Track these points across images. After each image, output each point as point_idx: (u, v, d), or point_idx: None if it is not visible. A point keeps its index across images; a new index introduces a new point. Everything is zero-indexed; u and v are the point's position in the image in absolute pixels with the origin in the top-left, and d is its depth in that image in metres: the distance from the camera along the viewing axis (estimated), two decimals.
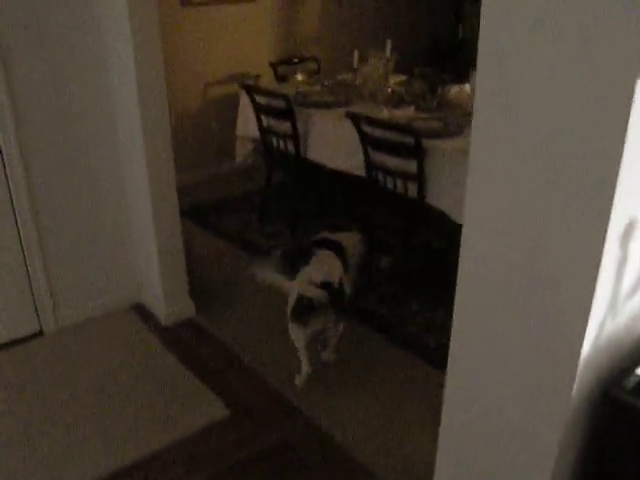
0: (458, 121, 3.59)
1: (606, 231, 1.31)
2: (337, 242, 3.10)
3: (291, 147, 4.14)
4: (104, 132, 3.14)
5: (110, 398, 2.85)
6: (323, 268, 2.90)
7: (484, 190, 1.54)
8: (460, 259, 1.65)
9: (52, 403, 2.81)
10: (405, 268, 3.83)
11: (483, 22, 1.40)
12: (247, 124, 4.51)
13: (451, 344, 1.77)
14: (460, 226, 3.15)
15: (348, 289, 3.00)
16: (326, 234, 3.21)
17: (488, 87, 1.45)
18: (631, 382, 1.52)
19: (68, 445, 2.60)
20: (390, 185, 3.56)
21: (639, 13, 1.14)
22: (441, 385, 1.88)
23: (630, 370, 1.55)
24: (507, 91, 1.40)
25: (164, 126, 3.04)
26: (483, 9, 1.39)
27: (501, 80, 1.41)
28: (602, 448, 1.59)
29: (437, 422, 1.94)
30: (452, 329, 1.75)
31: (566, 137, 1.32)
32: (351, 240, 3.20)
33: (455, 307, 1.72)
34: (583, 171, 1.31)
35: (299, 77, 4.76)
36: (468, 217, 1.61)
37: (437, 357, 3.03)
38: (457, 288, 1.68)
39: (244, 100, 4.43)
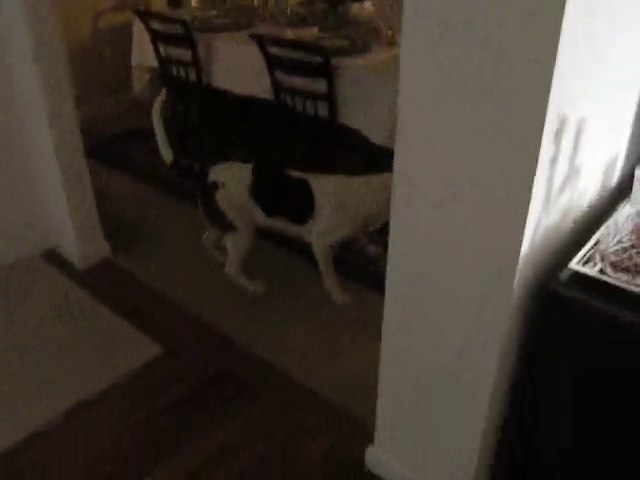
0: (364, 38, 3.56)
1: (542, 128, 1.34)
2: None
3: (193, 75, 4.00)
4: None
5: (35, 350, 2.74)
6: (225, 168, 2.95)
7: (416, 101, 1.54)
8: (395, 162, 1.64)
9: None
10: None
11: None
12: (143, 53, 4.31)
13: (389, 256, 1.79)
14: (373, 144, 3.18)
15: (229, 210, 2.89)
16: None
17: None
18: (565, 275, 1.60)
19: None
20: (300, 107, 3.51)
21: None
22: (375, 302, 1.90)
23: (563, 265, 1.62)
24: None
25: (59, 58, 2.84)
26: None
27: None
28: (541, 342, 1.67)
29: (377, 338, 1.98)
30: (389, 242, 1.77)
31: (500, 43, 1.32)
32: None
33: (392, 220, 1.73)
34: (519, 72, 1.32)
35: (193, 2, 4.57)
36: (401, 117, 1.59)
37: (362, 273, 3.08)
38: (393, 199, 1.69)
39: (138, 27, 4.22)
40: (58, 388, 2.55)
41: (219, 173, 2.90)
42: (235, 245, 2.92)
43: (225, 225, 2.90)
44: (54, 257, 3.33)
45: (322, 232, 2.85)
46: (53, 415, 2.43)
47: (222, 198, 2.85)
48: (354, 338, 2.76)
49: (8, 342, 2.78)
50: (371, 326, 2.74)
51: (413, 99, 1.54)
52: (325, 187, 2.84)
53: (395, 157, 1.63)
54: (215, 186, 2.86)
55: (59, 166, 3.02)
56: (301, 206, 2.87)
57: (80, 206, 3.17)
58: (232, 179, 2.88)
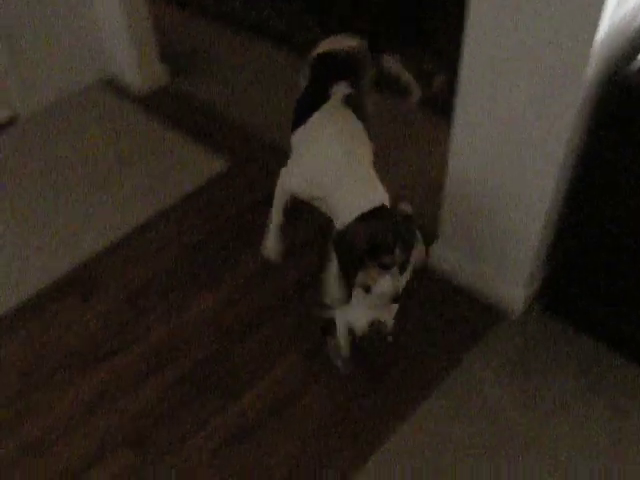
0: None
1: None
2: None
3: None
4: None
5: (104, 172, 2.90)
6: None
7: None
8: None
9: (47, 185, 2.85)
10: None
11: None
12: None
13: (464, 41, 1.83)
14: None
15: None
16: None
17: None
18: (634, 67, 1.66)
19: (71, 220, 2.68)
20: None
21: None
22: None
23: (632, 57, 1.67)
24: None
25: None
26: None
27: None
28: (607, 131, 1.76)
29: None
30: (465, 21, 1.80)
31: None
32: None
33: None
34: None
35: None
36: None
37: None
38: None
39: None
40: (130, 204, 2.74)
41: None
42: None
43: None
44: (114, 85, 3.42)
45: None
46: (126, 229, 2.63)
47: None
48: (420, 146, 2.86)
49: (76, 167, 2.93)
50: (435, 142, 2.84)
51: None
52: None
53: None
54: None
55: None
56: None
57: (138, 31, 3.21)
58: None
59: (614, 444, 1.92)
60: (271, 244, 2.33)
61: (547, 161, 1.82)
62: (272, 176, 2.76)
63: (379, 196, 1.90)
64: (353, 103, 2.19)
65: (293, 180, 2.15)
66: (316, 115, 2.16)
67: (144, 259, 2.52)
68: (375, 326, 1.93)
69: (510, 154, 1.92)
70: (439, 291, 2.33)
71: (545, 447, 1.93)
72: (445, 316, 2.26)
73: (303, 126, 2.19)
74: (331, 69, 2.35)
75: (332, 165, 1.96)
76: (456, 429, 1.98)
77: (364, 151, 2.06)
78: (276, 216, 2.27)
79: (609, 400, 2.02)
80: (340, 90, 2.23)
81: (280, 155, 2.86)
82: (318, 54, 2.43)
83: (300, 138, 2.20)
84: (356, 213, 1.84)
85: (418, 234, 1.85)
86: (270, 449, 1.94)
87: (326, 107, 2.17)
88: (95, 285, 2.44)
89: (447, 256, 2.33)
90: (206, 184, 2.79)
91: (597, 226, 1.94)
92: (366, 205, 1.85)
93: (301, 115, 2.24)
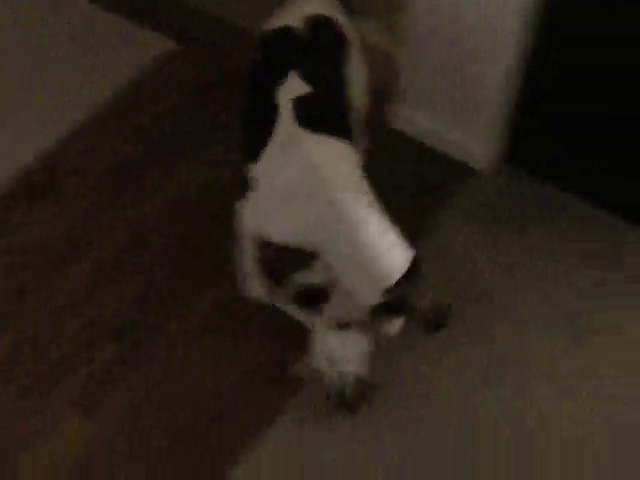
0: None
1: None
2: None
3: None
4: None
5: (42, 58, 2.69)
6: None
7: None
8: None
9: None
10: None
11: None
12: None
13: None
14: None
15: None
16: None
17: None
18: None
19: (18, 114, 2.53)
20: None
21: None
22: None
23: None
24: None
25: None
26: None
27: None
28: None
29: None
30: None
31: None
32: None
33: None
34: None
35: None
36: None
37: None
38: None
39: None
40: (78, 88, 2.59)
41: None
42: None
43: None
44: None
45: None
46: (78, 116, 2.49)
47: None
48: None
49: (9, 55, 2.72)
50: None
51: None
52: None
53: None
54: None
55: None
56: None
57: None
58: None
59: (591, 289, 2.00)
60: (253, 283, 1.88)
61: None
62: (222, 54, 2.63)
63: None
64: (313, 111, 1.56)
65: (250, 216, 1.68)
66: (268, 151, 1.57)
67: (104, 147, 2.41)
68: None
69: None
70: (408, 152, 2.30)
71: (517, 304, 1.99)
72: (415, 177, 2.24)
73: (260, 162, 1.59)
74: (281, 57, 1.66)
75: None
76: None
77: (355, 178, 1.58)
78: (247, 262, 1.82)
79: (577, 247, 2.08)
80: (288, 92, 1.56)
81: (230, 30, 2.73)
82: (271, 31, 1.74)
83: (266, 182, 1.61)
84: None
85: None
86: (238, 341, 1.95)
87: (278, 135, 1.54)
88: (54, 181, 2.33)
89: (414, 116, 2.29)
90: (154, 65, 2.64)
91: (560, 76, 1.93)
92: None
93: (253, 138, 1.65)
